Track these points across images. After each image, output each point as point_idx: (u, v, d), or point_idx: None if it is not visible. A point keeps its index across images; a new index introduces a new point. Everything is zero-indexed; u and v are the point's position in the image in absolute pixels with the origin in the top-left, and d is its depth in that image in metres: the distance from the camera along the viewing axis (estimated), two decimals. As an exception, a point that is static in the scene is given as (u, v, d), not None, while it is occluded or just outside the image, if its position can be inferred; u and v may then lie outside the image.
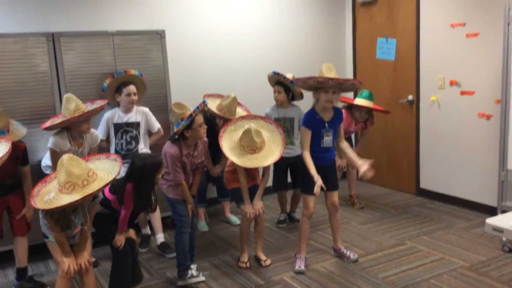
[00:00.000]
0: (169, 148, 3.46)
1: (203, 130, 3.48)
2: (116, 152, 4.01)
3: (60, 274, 2.91)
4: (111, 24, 4.49)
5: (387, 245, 4.07)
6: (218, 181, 4.67)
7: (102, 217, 3.13)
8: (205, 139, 3.62)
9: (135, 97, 4.04)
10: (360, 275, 3.56)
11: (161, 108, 4.41)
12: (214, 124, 4.23)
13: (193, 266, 3.65)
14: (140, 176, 3.05)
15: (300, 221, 3.78)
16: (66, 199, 2.65)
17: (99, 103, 3.74)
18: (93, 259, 3.46)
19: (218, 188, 4.86)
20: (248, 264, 3.79)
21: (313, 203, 3.66)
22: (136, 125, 4.09)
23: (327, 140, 3.59)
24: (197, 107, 3.43)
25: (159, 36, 4.42)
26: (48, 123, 3.61)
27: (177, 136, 3.45)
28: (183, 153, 3.46)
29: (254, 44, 5.43)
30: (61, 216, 2.78)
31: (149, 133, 4.21)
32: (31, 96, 3.89)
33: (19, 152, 3.46)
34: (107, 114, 4.05)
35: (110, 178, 2.79)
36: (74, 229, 2.90)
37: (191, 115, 3.35)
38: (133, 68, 4.17)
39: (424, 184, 5.34)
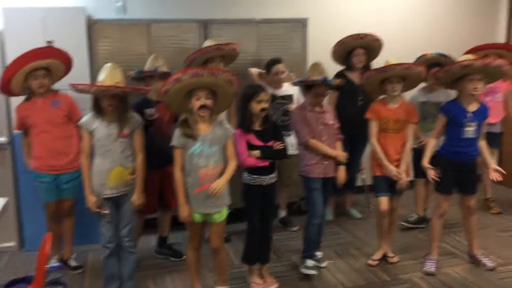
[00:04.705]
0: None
1: (318, 100, 3.42)
2: None
3: (189, 246, 3.11)
4: (257, 12, 4.56)
5: (531, 257, 3.75)
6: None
7: (250, 189, 3.22)
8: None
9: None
10: (497, 285, 3.34)
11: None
12: None
13: (319, 253, 3.69)
14: (240, 104, 3.20)
15: (431, 220, 3.64)
16: None
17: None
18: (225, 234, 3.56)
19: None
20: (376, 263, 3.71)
21: (446, 202, 3.50)
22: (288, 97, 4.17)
23: (469, 131, 3.35)
24: (325, 79, 3.33)
25: (301, 24, 4.48)
26: None
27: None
28: (307, 108, 3.46)
29: (399, 35, 5.12)
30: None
31: None
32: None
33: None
34: None
35: None
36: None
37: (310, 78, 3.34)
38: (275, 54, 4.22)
39: None
